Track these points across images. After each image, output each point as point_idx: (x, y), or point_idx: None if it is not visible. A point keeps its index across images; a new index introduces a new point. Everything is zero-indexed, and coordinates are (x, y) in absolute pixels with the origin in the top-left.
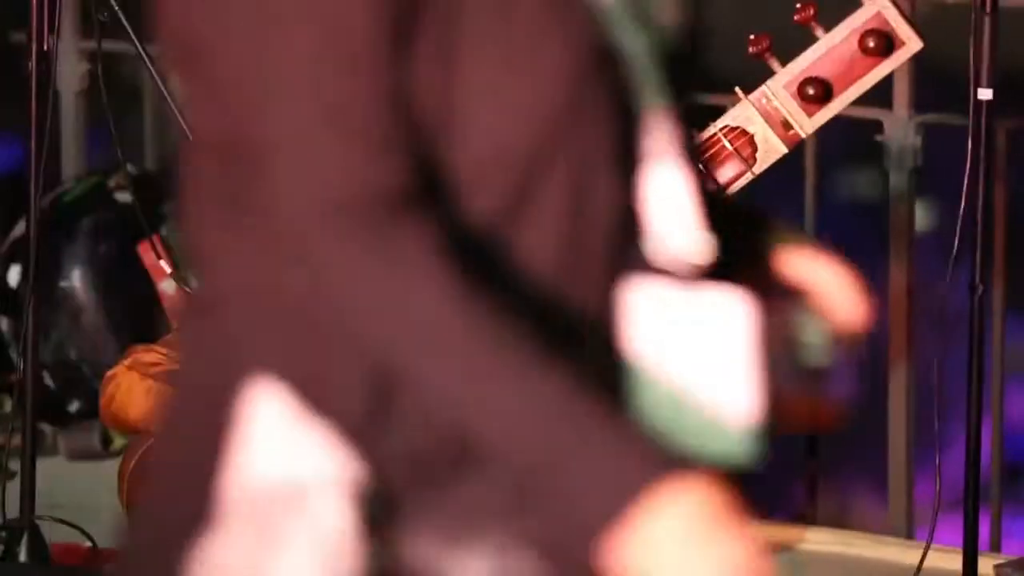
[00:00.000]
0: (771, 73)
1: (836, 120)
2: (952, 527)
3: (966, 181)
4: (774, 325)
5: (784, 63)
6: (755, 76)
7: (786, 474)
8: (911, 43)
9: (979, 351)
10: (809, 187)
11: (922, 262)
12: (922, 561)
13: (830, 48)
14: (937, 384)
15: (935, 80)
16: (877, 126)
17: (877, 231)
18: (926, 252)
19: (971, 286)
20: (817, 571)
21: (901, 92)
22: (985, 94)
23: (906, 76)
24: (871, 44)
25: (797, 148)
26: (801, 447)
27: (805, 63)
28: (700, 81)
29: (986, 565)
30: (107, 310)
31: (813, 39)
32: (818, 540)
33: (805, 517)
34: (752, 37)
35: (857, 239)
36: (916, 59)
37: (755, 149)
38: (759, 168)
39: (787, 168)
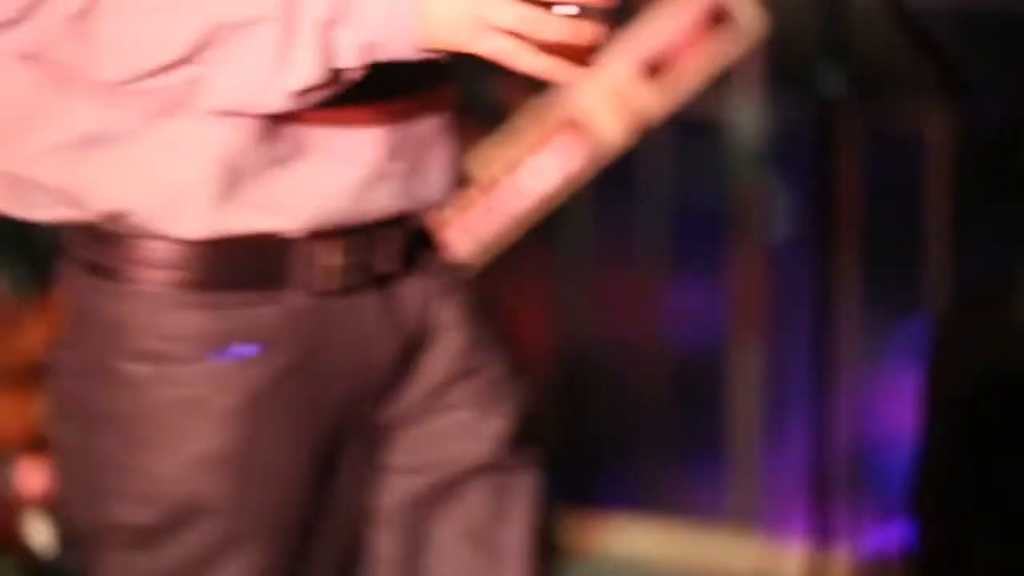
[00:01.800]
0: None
1: (682, 110)
2: (799, 520)
3: (818, 172)
4: None
5: (623, 40)
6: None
7: (621, 461)
8: (749, 25)
9: (830, 342)
10: (653, 177)
11: (774, 252)
12: (769, 556)
13: (668, 26)
14: (783, 375)
15: (784, 70)
16: (723, 117)
17: (727, 220)
18: (778, 243)
19: (822, 276)
20: (656, 565)
21: (748, 82)
22: (833, 84)
23: (755, 67)
24: (709, 24)
25: (641, 139)
26: (644, 430)
27: (644, 41)
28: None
29: (833, 559)
30: None
31: (650, 16)
32: (656, 532)
33: (641, 507)
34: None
35: (708, 228)
36: (764, 48)
37: (591, 134)
38: (597, 157)
39: (629, 161)
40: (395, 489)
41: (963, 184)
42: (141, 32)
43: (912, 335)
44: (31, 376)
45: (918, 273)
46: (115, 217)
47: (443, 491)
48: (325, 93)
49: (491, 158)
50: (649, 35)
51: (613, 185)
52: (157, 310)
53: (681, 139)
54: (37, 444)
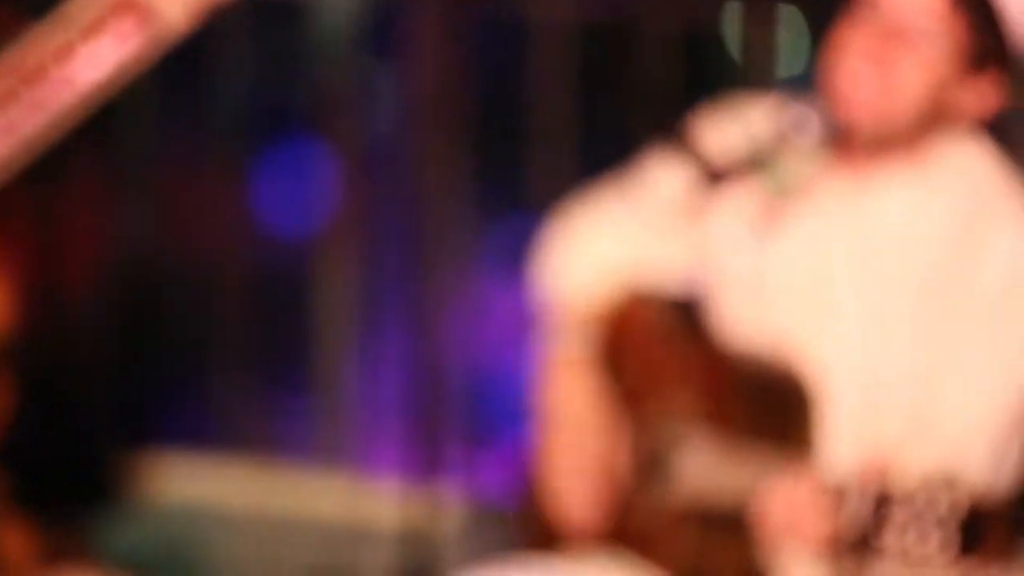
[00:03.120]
0: None
1: None
2: (395, 454)
3: (413, 60)
4: None
5: None
6: None
7: (189, 392)
8: None
9: (430, 252)
10: (226, 65)
11: (365, 150)
12: (361, 497)
13: None
14: (376, 290)
15: None
16: None
17: (312, 115)
18: (370, 140)
19: (420, 178)
20: (230, 510)
21: None
22: None
23: None
24: None
25: None
26: (217, 356)
27: None
28: None
29: (436, 499)
30: None
31: None
32: (230, 472)
33: (212, 445)
34: None
35: (291, 124)
36: None
37: (151, 15)
38: (159, 42)
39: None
40: None
41: (574, 76)
42: None
43: (514, 238)
44: None
45: (523, 173)
46: None
47: None
48: None
49: (36, 45)
50: None
51: (179, 75)
52: None
53: (259, 22)
54: None
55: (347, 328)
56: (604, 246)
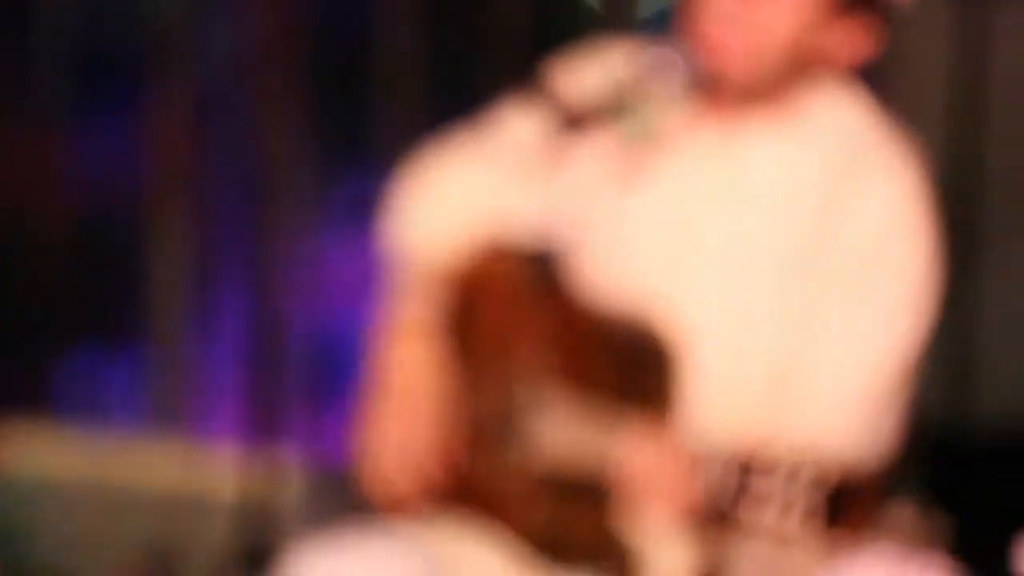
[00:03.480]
0: None
1: None
2: (230, 420)
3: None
4: None
5: None
6: None
7: (9, 357)
8: None
9: (269, 203)
10: (51, 5)
11: (200, 97)
12: (198, 462)
13: None
14: (213, 245)
15: None
16: None
17: (144, 58)
18: (206, 87)
19: (257, 125)
20: (58, 480)
21: None
22: None
23: None
24: None
25: None
26: (42, 316)
27: None
28: None
29: (277, 465)
30: None
31: None
32: (57, 440)
33: (38, 410)
34: None
35: (121, 68)
36: None
37: None
38: None
39: None
40: None
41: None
42: None
43: (359, 189)
44: None
45: (368, 121)
46: None
47: None
48: None
49: None
50: None
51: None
52: None
53: None
54: None
55: (181, 284)
56: (455, 198)
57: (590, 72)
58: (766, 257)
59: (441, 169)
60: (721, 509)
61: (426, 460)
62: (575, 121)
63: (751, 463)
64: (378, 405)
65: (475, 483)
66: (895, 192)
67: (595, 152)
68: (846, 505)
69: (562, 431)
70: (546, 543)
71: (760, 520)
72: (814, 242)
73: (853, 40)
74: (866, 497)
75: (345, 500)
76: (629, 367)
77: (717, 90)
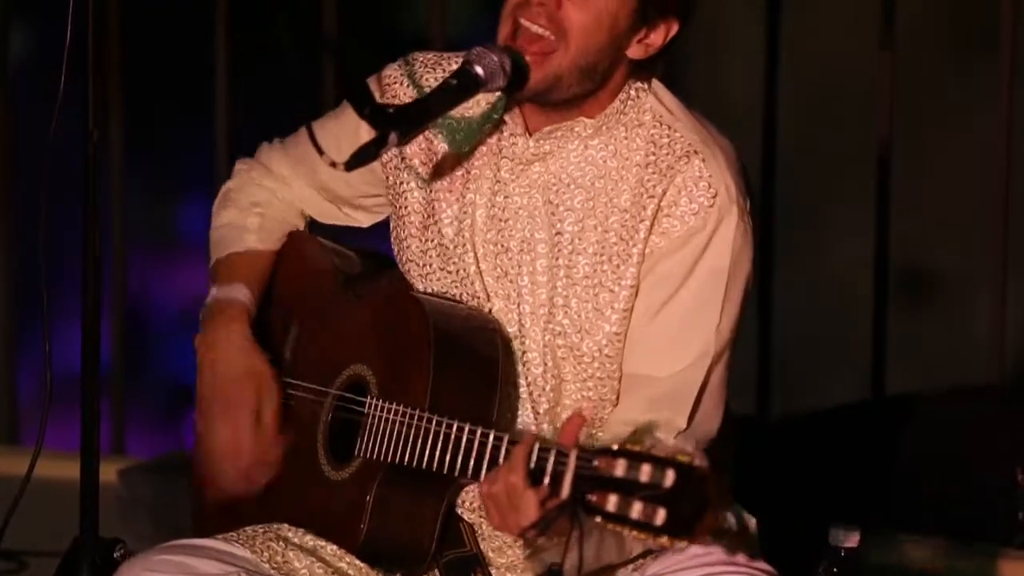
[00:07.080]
0: None
1: None
2: (66, 429)
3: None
4: None
5: None
6: None
7: None
8: None
9: (95, 210)
10: None
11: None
12: (31, 469)
13: None
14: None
15: None
16: None
17: None
18: (25, 87)
19: (87, 131)
20: None
21: None
22: None
23: None
24: None
25: None
26: None
27: None
28: None
29: (109, 470)
30: None
31: None
32: None
33: None
34: None
35: None
36: None
37: None
38: None
39: None
40: None
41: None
42: None
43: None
44: None
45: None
46: None
47: None
48: None
49: None
50: None
51: None
52: None
53: None
54: None
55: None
56: (272, 194)
57: (409, 80)
58: (588, 253)
59: (266, 165)
60: (560, 505)
61: (249, 464)
62: (396, 127)
63: (588, 458)
64: (199, 400)
65: (295, 492)
66: (698, 187)
67: (418, 157)
68: (686, 502)
69: (392, 428)
70: (366, 554)
71: (600, 514)
72: (632, 240)
73: (658, 45)
74: (706, 493)
75: (155, 494)
76: (460, 364)
77: (529, 94)
